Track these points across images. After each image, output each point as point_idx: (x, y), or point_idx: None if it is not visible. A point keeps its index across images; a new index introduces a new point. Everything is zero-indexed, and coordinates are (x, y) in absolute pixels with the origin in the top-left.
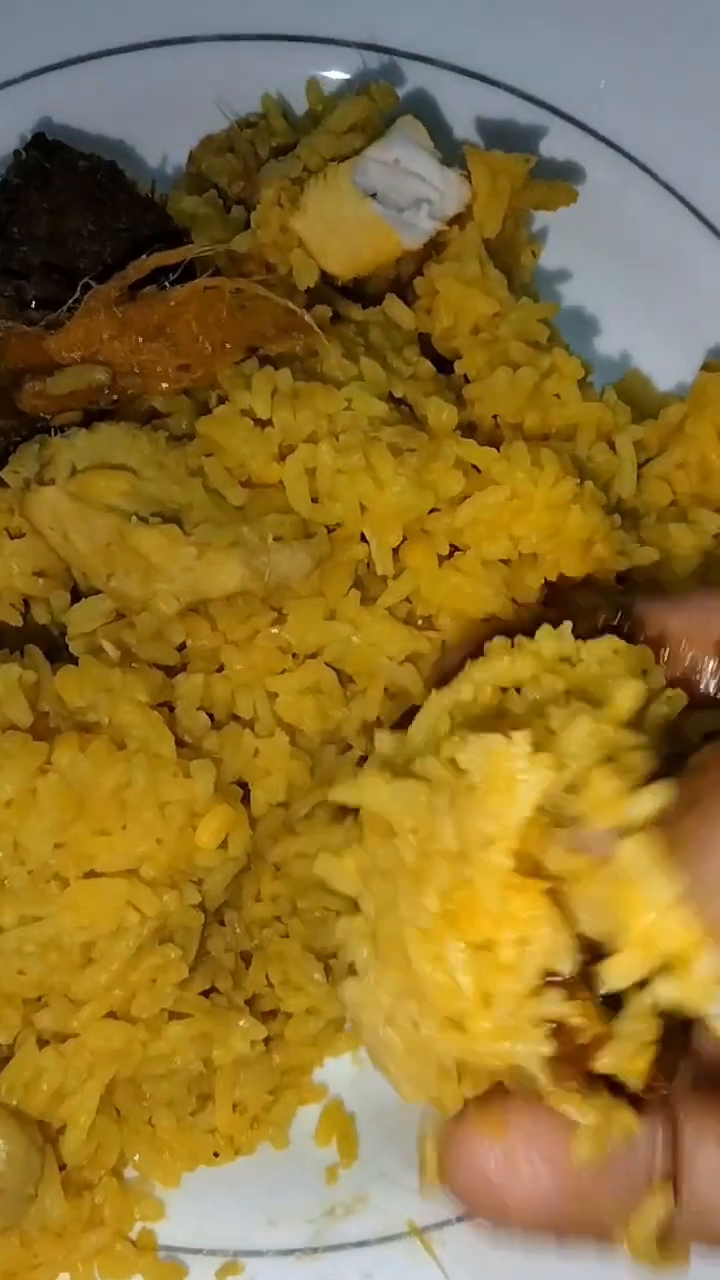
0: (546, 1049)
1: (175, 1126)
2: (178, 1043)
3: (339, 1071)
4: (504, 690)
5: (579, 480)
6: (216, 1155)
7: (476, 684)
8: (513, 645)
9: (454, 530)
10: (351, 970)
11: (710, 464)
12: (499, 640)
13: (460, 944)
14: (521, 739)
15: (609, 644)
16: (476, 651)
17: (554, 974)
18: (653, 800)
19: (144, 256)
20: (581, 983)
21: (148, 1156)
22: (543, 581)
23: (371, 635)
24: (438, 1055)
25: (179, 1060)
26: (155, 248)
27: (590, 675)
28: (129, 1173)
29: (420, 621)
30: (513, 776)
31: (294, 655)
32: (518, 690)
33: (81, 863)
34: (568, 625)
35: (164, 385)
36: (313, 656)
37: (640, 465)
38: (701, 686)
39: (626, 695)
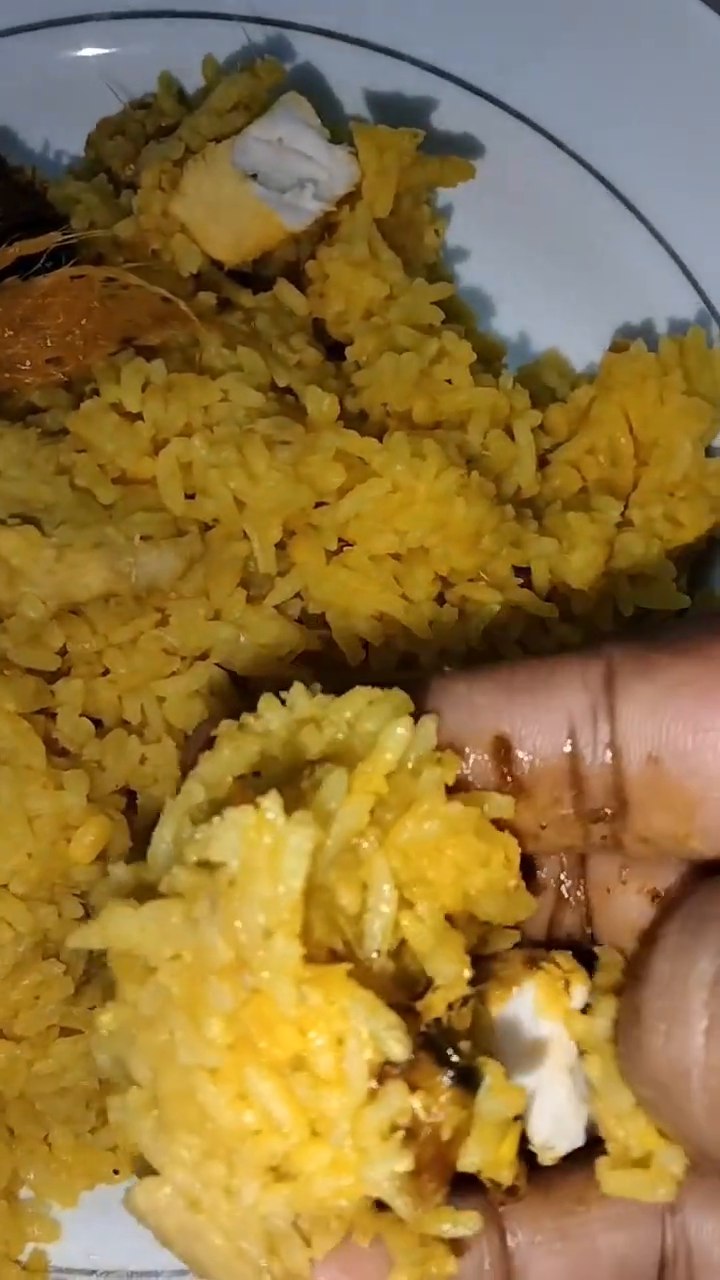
0: (404, 1164)
1: (73, 1144)
2: (67, 1059)
3: None
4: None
5: (465, 471)
6: (116, 1173)
7: (207, 781)
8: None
9: (339, 525)
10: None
11: (619, 448)
12: (224, 725)
13: (262, 1070)
14: (271, 802)
15: (363, 695)
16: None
17: (388, 1065)
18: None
19: (4, 245)
20: (424, 1056)
21: (43, 1176)
22: (434, 576)
23: (260, 634)
24: (266, 1224)
25: (70, 1077)
26: (17, 235)
27: (342, 735)
28: (24, 1193)
29: (311, 619)
30: (274, 846)
31: (182, 658)
32: (255, 775)
33: None
34: (301, 687)
35: (32, 379)
36: (202, 658)
37: (549, 450)
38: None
39: (388, 741)
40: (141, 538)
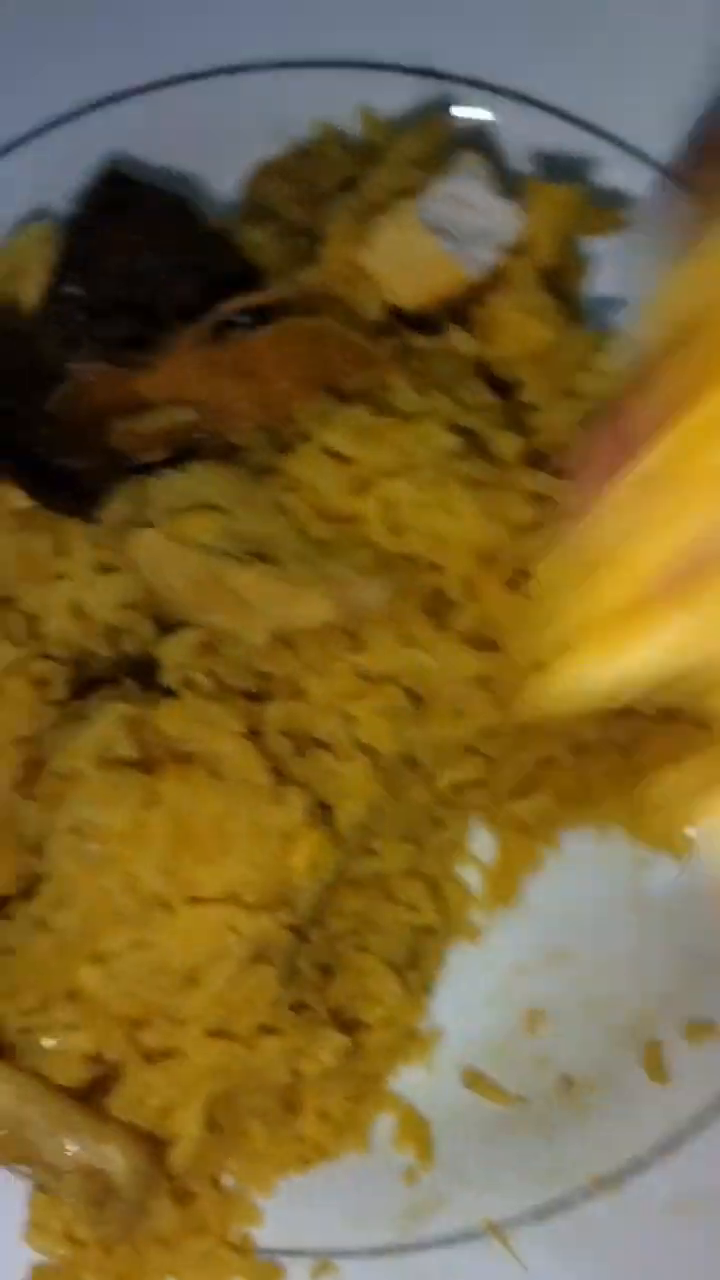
0: None
1: (267, 1136)
2: (272, 1056)
3: (412, 1079)
4: None
5: None
6: (306, 1161)
7: None
8: None
9: (521, 557)
10: None
11: None
12: None
13: None
14: None
15: None
16: None
17: None
18: None
19: (230, 300)
20: None
21: (244, 1166)
22: None
23: (444, 659)
24: None
25: (271, 1073)
26: (231, 289)
27: None
28: (227, 1181)
29: (489, 644)
30: None
31: (371, 680)
32: None
33: (186, 890)
34: None
35: (247, 423)
36: (387, 680)
37: None
38: None
39: None
40: (357, 572)
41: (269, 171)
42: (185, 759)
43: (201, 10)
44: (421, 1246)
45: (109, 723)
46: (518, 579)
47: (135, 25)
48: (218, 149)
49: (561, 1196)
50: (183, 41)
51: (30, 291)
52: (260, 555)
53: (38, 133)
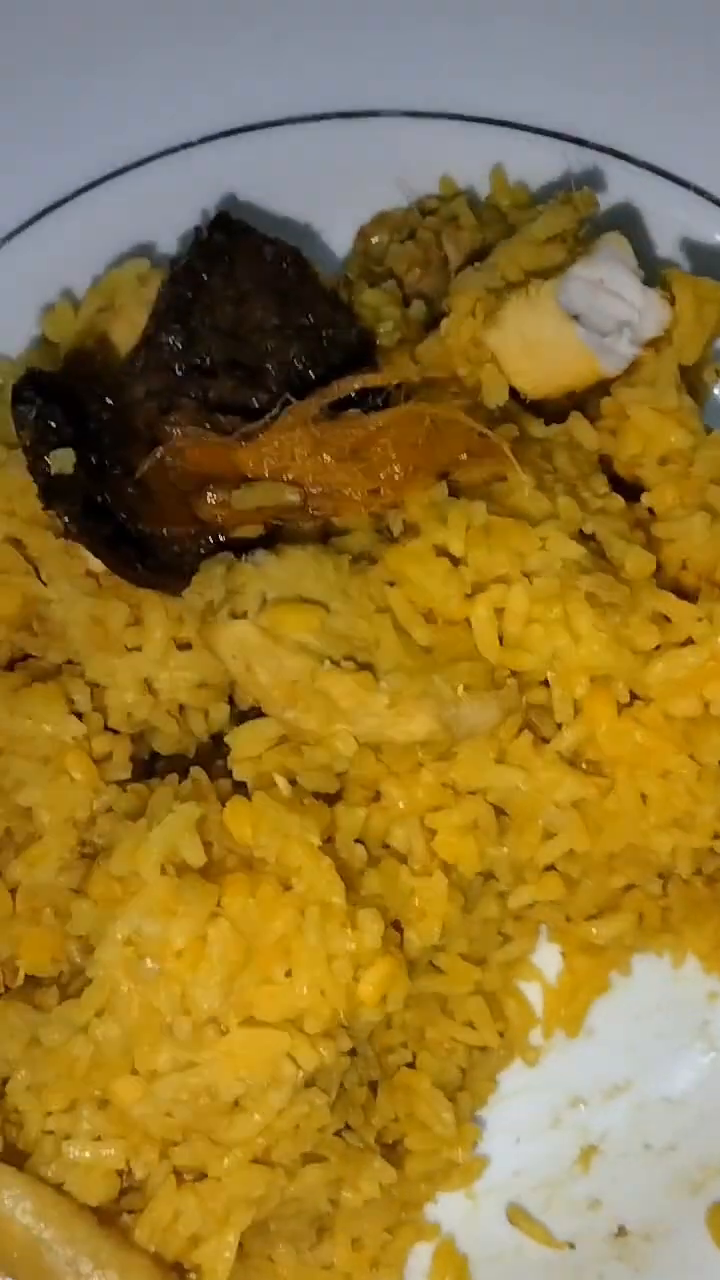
0: None
1: (295, 1262)
2: (313, 1186)
3: (453, 1210)
4: None
5: None
6: None
7: None
8: None
9: (641, 682)
10: None
11: None
12: None
13: None
14: None
15: None
16: None
17: None
18: None
19: (346, 379)
20: None
21: None
22: None
23: (540, 780)
24: None
25: (309, 1202)
26: (350, 364)
27: None
28: None
29: (586, 765)
30: None
31: (456, 792)
32: None
33: (242, 1010)
34: None
35: (354, 509)
36: (473, 793)
37: None
38: None
39: None
40: (464, 688)
41: (385, 223)
42: (252, 866)
43: (334, 48)
44: None
45: (179, 825)
46: (632, 703)
47: (263, 58)
48: (334, 195)
49: None
50: (308, 79)
51: (124, 333)
52: (358, 660)
53: (146, 160)
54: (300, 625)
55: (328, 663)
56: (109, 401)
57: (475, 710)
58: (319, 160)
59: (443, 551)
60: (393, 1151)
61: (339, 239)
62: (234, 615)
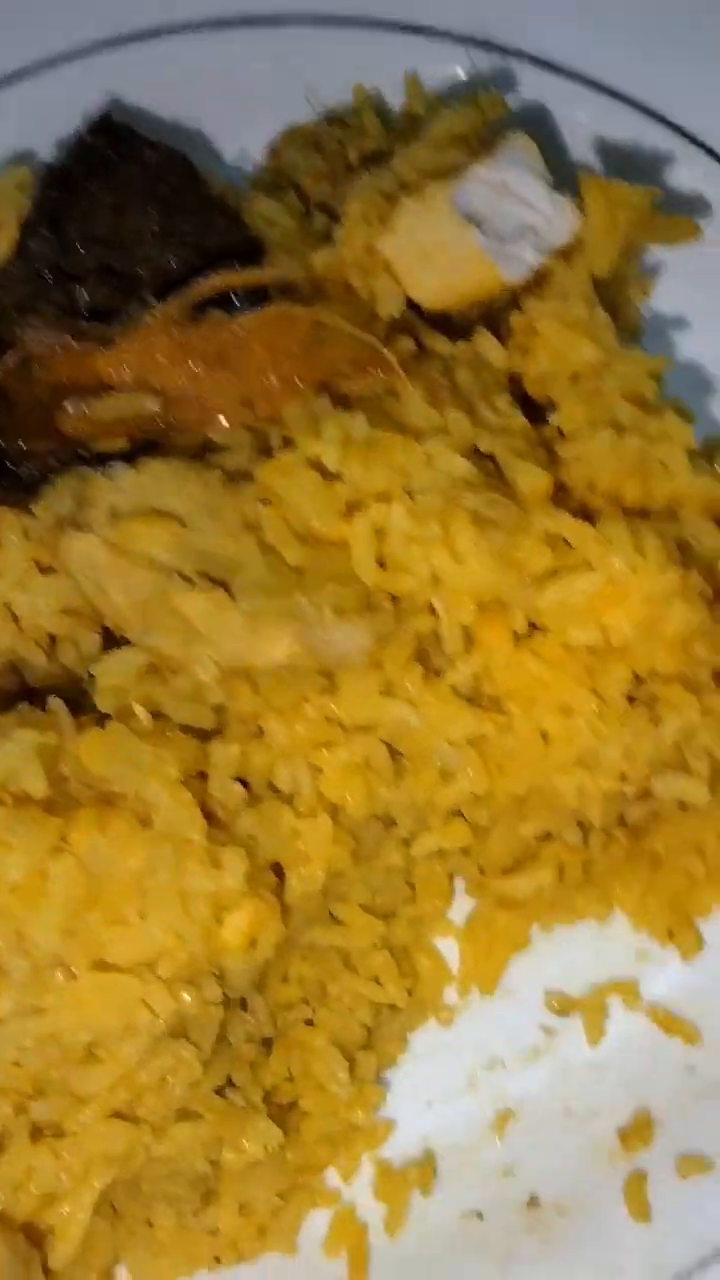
0: None
1: (175, 1227)
2: (186, 1144)
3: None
4: None
5: (684, 570)
6: (218, 1260)
7: None
8: None
9: (535, 609)
10: None
11: None
12: None
13: None
14: None
15: None
16: None
17: None
18: None
19: (211, 273)
20: None
21: (142, 1259)
22: (631, 675)
23: (432, 716)
24: None
25: (185, 1161)
26: (225, 263)
27: None
28: (121, 1273)
29: (486, 702)
30: None
31: (345, 729)
32: None
33: (91, 952)
34: None
35: (222, 420)
36: (363, 731)
37: None
38: None
39: None
40: (334, 611)
41: (294, 137)
42: (108, 800)
43: None
44: None
45: (17, 752)
46: (531, 635)
47: None
48: (238, 108)
49: None
50: None
51: (4, 246)
52: (217, 579)
53: (30, 70)
54: (151, 539)
55: (177, 578)
56: None
57: (345, 634)
58: (225, 70)
59: (317, 466)
60: (288, 1113)
61: (247, 158)
62: (80, 529)
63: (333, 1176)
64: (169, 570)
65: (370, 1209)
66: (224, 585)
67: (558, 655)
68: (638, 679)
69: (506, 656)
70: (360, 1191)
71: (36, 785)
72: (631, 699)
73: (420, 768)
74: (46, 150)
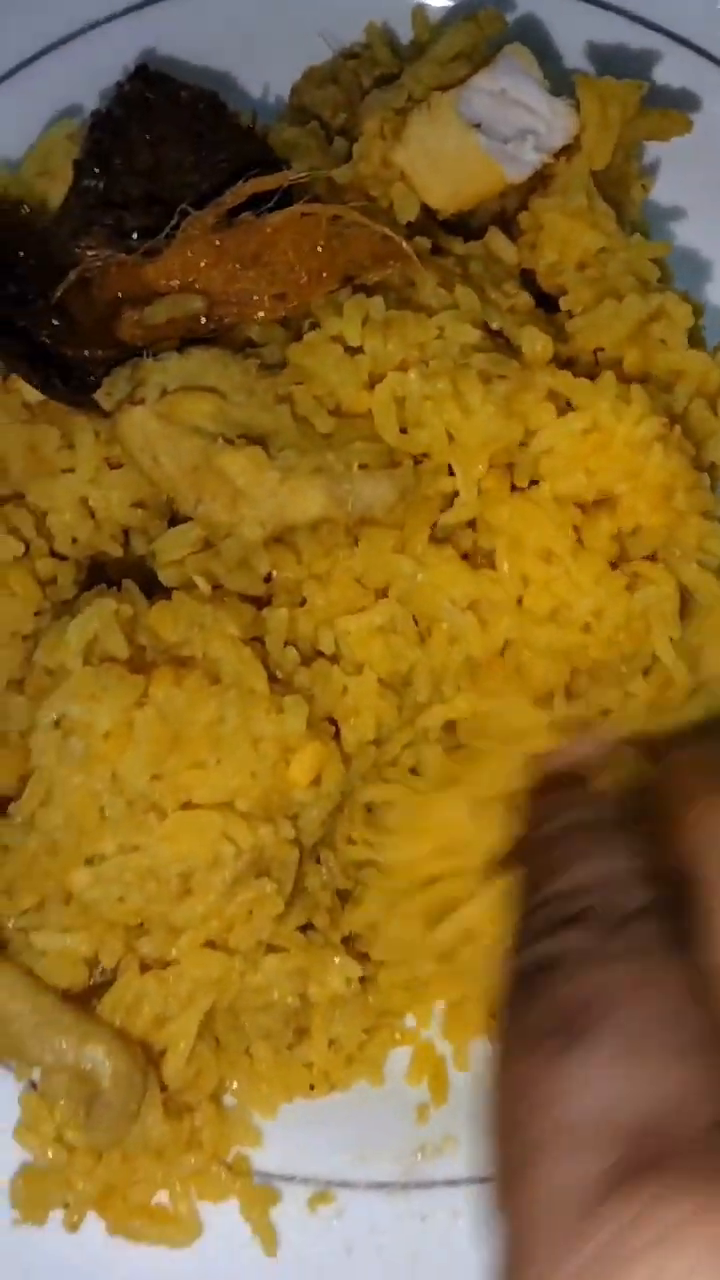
0: None
1: (272, 1059)
2: (274, 976)
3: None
4: None
5: (668, 424)
6: (312, 1089)
7: None
8: None
9: (532, 459)
10: None
11: None
12: None
13: None
14: None
15: None
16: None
17: None
18: None
19: (241, 182)
20: None
21: (246, 1086)
22: (616, 530)
23: (436, 575)
24: None
25: (276, 993)
26: (253, 173)
27: None
28: (228, 1100)
29: (481, 558)
30: None
31: (367, 589)
32: None
33: (178, 794)
34: None
35: (260, 314)
36: (383, 593)
37: None
38: None
39: None
40: (360, 466)
41: (314, 76)
42: (181, 663)
43: None
44: (426, 1185)
45: (98, 617)
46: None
47: None
48: (263, 55)
49: None
50: None
51: (58, 191)
52: (256, 443)
53: (74, 35)
54: (195, 410)
55: (220, 441)
56: (37, 249)
57: (369, 486)
58: (242, 21)
59: (340, 342)
60: (365, 962)
61: (273, 99)
62: (133, 404)
63: (409, 1021)
64: (213, 436)
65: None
66: (261, 446)
67: (547, 502)
68: (623, 551)
69: (499, 501)
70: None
71: (119, 647)
72: (614, 566)
73: (433, 631)
74: (91, 104)
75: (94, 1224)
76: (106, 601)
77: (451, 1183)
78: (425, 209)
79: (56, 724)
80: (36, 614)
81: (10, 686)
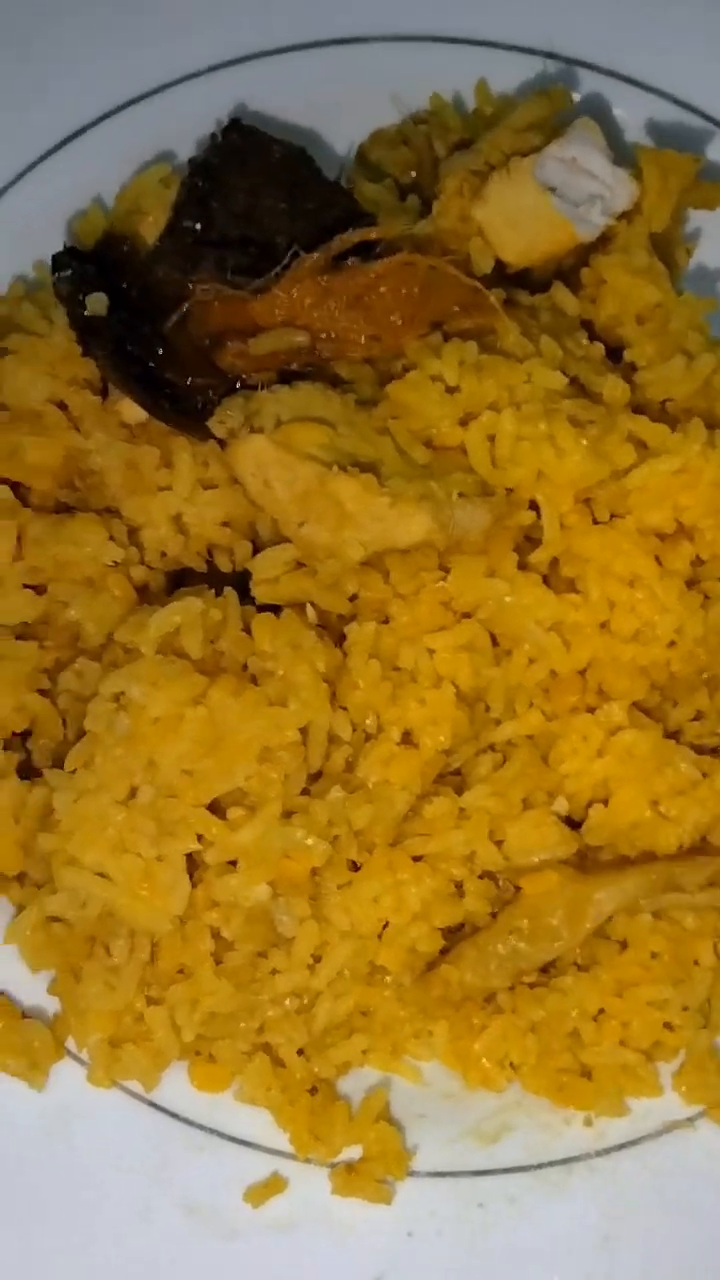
0: None
1: None
2: None
3: None
4: None
5: None
6: None
7: None
8: None
9: (618, 497)
10: None
11: None
12: None
13: None
14: None
15: None
16: None
17: None
18: None
19: (350, 231)
20: None
21: None
22: (694, 555)
23: (524, 597)
24: None
25: None
26: (354, 225)
27: None
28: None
29: (564, 586)
30: None
31: (453, 611)
32: None
33: (200, 794)
34: None
35: (355, 352)
36: (468, 616)
37: None
38: None
39: None
40: (459, 494)
41: (383, 137)
42: (253, 678)
43: None
44: (483, 1172)
45: (183, 613)
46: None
47: None
48: (336, 117)
49: None
50: (309, 11)
51: (150, 231)
52: (366, 470)
53: (165, 86)
54: (310, 439)
55: (335, 468)
56: (139, 280)
57: (468, 513)
58: (318, 83)
59: (439, 381)
60: None
61: (339, 157)
62: (253, 431)
63: None
64: (327, 463)
65: None
66: (372, 470)
67: (631, 533)
68: (700, 564)
69: (584, 533)
70: None
71: (194, 646)
72: (691, 585)
73: (514, 651)
74: (184, 152)
75: None
76: (194, 601)
77: (507, 1170)
78: (496, 263)
79: (115, 699)
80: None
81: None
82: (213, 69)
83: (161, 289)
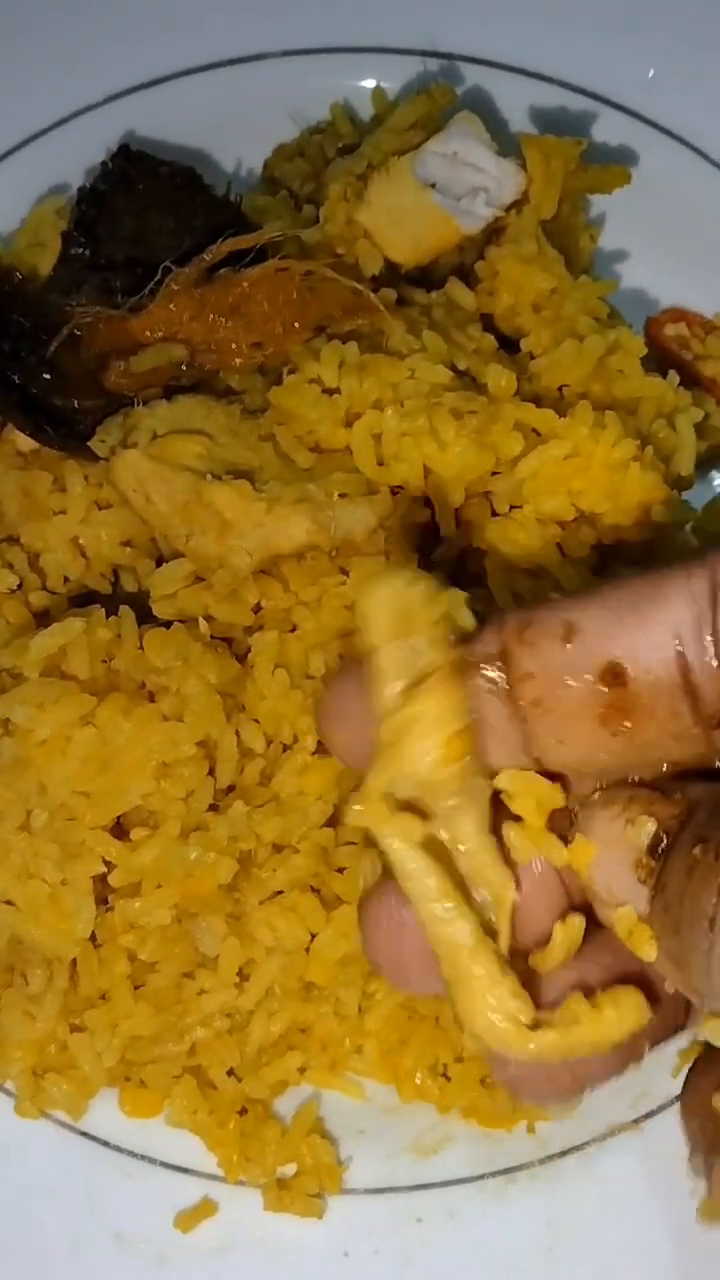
0: None
1: None
2: None
3: None
4: None
5: (640, 444)
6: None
7: None
8: None
9: (514, 488)
10: None
11: None
12: None
13: None
14: None
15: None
16: None
17: None
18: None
19: (219, 241)
20: None
21: None
22: (595, 540)
23: None
24: None
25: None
26: (229, 232)
27: None
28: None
29: (469, 581)
30: None
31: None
32: None
33: (98, 815)
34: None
35: (238, 361)
36: None
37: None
38: None
39: None
40: (340, 495)
41: (283, 151)
42: (146, 695)
43: (216, 6)
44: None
45: (65, 634)
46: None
47: (153, 20)
48: (237, 136)
49: None
50: (198, 34)
51: (47, 261)
52: (242, 478)
53: (60, 122)
54: (185, 451)
55: (209, 477)
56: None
57: (349, 513)
58: (221, 105)
59: (318, 384)
60: None
61: (245, 174)
62: (126, 448)
63: None
64: (201, 473)
65: None
66: (248, 480)
67: (530, 523)
68: (603, 548)
69: (483, 526)
70: None
71: (81, 666)
72: (597, 571)
73: None
74: (78, 182)
75: None
76: (75, 621)
77: (446, 1184)
78: (389, 264)
79: (3, 724)
80: None
81: None
82: (106, 100)
83: (51, 316)
